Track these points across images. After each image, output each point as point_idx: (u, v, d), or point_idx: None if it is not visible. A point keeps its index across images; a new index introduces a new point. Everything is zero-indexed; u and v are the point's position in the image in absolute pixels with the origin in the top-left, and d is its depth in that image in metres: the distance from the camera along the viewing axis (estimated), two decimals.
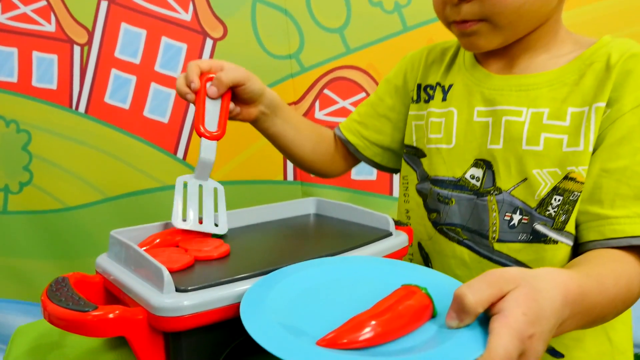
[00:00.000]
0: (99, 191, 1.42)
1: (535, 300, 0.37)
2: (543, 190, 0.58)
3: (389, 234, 0.61)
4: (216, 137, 0.62)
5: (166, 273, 0.43)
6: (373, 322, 0.37)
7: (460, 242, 0.65)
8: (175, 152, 1.37)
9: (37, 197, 1.41)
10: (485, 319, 0.38)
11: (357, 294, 0.44)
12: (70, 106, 1.35)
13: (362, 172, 1.40)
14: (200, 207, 0.60)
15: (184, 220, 0.57)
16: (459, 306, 0.37)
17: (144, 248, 0.53)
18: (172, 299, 0.42)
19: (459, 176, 0.65)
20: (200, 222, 0.58)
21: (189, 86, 0.62)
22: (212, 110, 0.62)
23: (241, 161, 1.39)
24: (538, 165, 0.58)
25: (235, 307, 0.44)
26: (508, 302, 0.36)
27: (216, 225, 0.60)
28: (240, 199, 1.35)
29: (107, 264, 0.51)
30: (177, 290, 0.43)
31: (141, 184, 1.39)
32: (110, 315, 0.41)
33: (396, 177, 1.41)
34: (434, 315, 0.40)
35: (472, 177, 0.64)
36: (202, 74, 0.63)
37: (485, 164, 0.63)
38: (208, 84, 0.62)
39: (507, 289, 0.37)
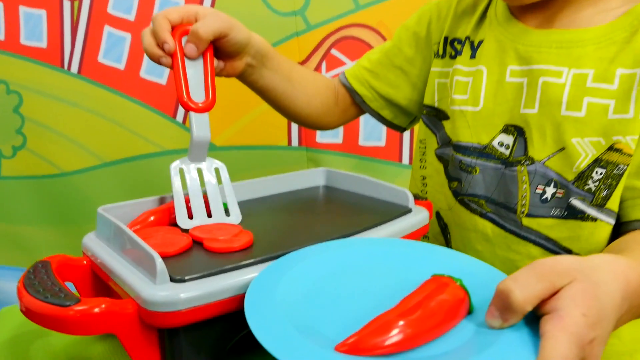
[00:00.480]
0: (95, 156, 1.38)
1: (595, 298, 0.31)
2: (583, 161, 0.52)
3: (408, 211, 0.55)
4: (207, 108, 0.52)
5: (159, 261, 0.37)
6: (401, 323, 0.32)
7: (483, 215, 0.60)
8: (175, 116, 1.30)
9: (32, 162, 1.37)
10: (532, 318, 0.32)
11: (379, 286, 0.39)
12: (62, 66, 1.28)
13: (371, 138, 1.33)
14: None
15: (191, 218, 0.50)
16: (503, 303, 0.32)
17: (136, 228, 0.47)
18: (167, 291, 0.36)
19: (485, 143, 0.59)
20: (209, 214, 0.51)
21: (161, 48, 0.51)
22: (195, 73, 0.52)
23: (242, 125, 1.32)
24: (578, 134, 0.51)
25: (240, 298, 0.38)
26: (564, 300, 0.31)
27: (227, 214, 0.52)
28: (241, 167, 1.29)
29: (95, 245, 0.46)
30: (173, 280, 0.37)
31: (139, 149, 1.33)
32: (96, 310, 0.36)
33: (406, 143, 1.34)
34: (470, 312, 0.35)
35: (501, 144, 0.57)
36: (173, 29, 0.52)
37: (517, 130, 0.56)
38: (183, 41, 0.51)
39: (560, 284, 0.32)
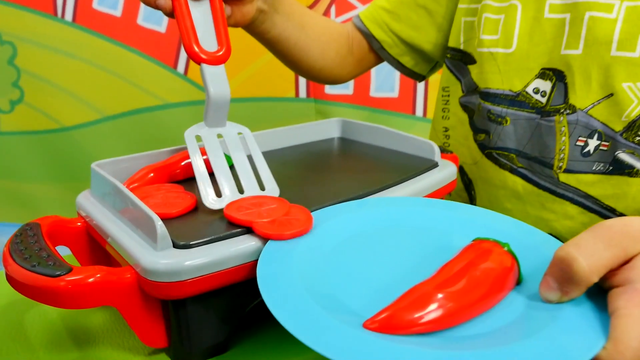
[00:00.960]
0: (96, 110, 1.33)
1: None
2: (635, 110, 0.46)
3: (434, 165, 0.49)
4: (222, 59, 0.43)
5: (159, 224, 0.32)
6: (440, 295, 0.27)
7: (513, 171, 0.54)
8: (175, 67, 1.24)
9: (30, 117, 1.33)
10: (595, 291, 0.28)
11: (410, 252, 0.34)
12: (55, 14, 1.22)
13: (383, 89, 1.27)
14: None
15: (220, 196, 0.40)
16: (563, 273, 0.27)
17: (133, 186, 0.42)
18: (169, 259, 0.32)
19: (518, 89, 0.53)
20: (240, 189, 0.41)
21: None
22: (203, 18, 0.43)
23: (247, 76, 1.26)
24: (630, 78, 0.46)
25: (252, 266, 0.34)
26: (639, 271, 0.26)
27: (262, 188, 0.42)
28: (246, 120, 1.23)
29: (90, 204, 0.41)
30: (176, 245, 0.33)
31: (141, 102, 1.28)
32: (90, 280, 0.31)
33: (420, 94, 1.27)
34: (518, 282, 0.30)
35: (536, 91, 0.52)
36: None
37: (556, 75, 0.50)
38: None
39: (634, 251, 0.27)
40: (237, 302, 0.35)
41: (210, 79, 0.42)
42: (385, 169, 0.49)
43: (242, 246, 0.33)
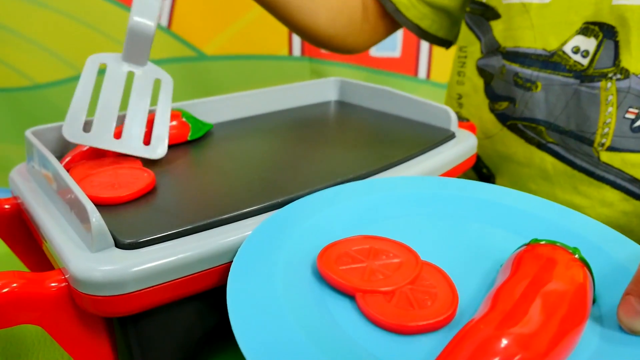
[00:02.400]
0: (70, 66, 1.24)
1: None
2: None
3: (451, 136, 0.41)
4: None
5: (95, 215, 0.24)
6: (508, 341, 0.19)
7: (541, 146, 0.46)
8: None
9: (1, 73, 1.23)
10: None
11: (434, 256, 0.26)
12: None
13: (383, 48, 1.17)
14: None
15: (87, 131, 0.33)
16: None
17: (67, 159, 0.34)
18: (109, 264, 0.23)
19: (553, 48, 0.44)
20: (118, 135, 0.34)
21: None
22: None
23: (236, 31, 1.16)
24: None
25: (225, 270, 0.26)
26: None
27: (146, 144, 0.35)
28: (234, 80, 1.15)
29: (24, 182, 0.33)
30: (120, 245, 0.25)
31: None
32: (5, 290, 0.23)
33: (424, 54, 1.18)
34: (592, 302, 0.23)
35: (576, 50, 0.43)
36: None
37: (604, 31, 0.41)
38: None
39: None
40: (204, 314, 0.28)
41: (138, 3, 0.35)
42: (392, 140, 0.41)
43: (211, 244, 0.25)
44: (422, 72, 1.18)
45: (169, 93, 0.37)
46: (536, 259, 0.22)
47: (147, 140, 0.35)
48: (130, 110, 0.35)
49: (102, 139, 0.33)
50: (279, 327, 0.20)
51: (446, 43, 0.60)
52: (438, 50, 1.16)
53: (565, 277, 0.21)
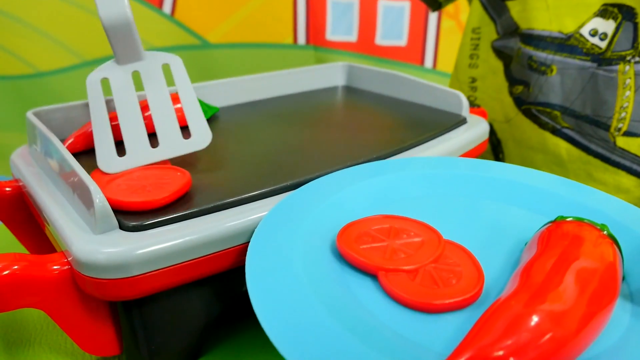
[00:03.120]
0: (74, 54, 1.22)
1: None
2: None
3: (462, 121, 0.40)
4: None
5: (99, 196, 0.23)
6: (539, 318, 0.18)
7: (556, 131, 0.45)
8: (161, 6, 1.12)
9: (3, 60, 1.21)
10: None
11: (456, 235, 0.25)
12: None
13: (390, 36, 1.15)
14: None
15: (122, 155, 0.30)
16: None
17: (70, 141, 0.33)
18: (113, 246, 0.23)
19: (569, 31, 0.43)
20: (154, 142, 0.31)
21: None
22: None
23: (241, 18, 1.14)
24: None
25: (234, 252, 0.25)
26: None
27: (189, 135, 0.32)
28: (238, 68, 1.13)
29: (25, 165, 0.32)
30: (124, 227, 0.24)
31: None
32: (5, 273, 0.22)
33: (430, 43, 1.16)
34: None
35: (594, 32, 0.41)
36: None
37: (623, 12, 0.40)
38: None
39: None
40: (211, 299, 0.27)
41: None
42: (402, 125, 0.40)
43: (218, 227, 0.24)
44: (428, 61, 1.16)
45: (183, 73, 0.33)
46: (564, 236, 0.21)
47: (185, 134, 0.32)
48: (154, 112, 0.32)
49: (141, 156, 0.30)
50: (302, 306, 0.19)
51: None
52: (445, 39, 1.14)
53: (595, 254, 0.20)
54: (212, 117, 0.40)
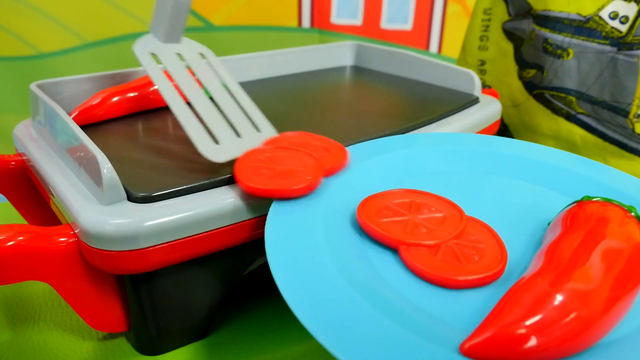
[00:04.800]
0: (76, 35, 1.21)
1: None
2: None
3: (475, 100, 0.39)
4: None
5: (106, 166, 0.22)
6: (564, 297, 0.17)
7: (570, 117, 0.44)
8: None
9: (5, 41, 1.20)
10: None
11: (477, 213, 0.24)
12: None
13: (395, 20, 1.14)
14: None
15: (217, 142, 0.28)
16: None
17: (75, 114, 0.32)
18: (121, 217, 0.22)
19: (588, 13, 0.42)
20: (237, 134, 0.29)
21: None
22: None
23: (245, 1, 1.13)
24: None
25: (244, 226, 0.24)
26: None
27: (257, 129, 0.31)
28: (243, 50, 1.12)
29: (29, 138, 0.31)
30: (132, 198, 0.23)
31: (127, 27, 1.15)
32: (9, 244, 0.22)
33: (436, 27, 1.15)
34: None
35: (614, 15, 0.40)
36: None
37: None
38: None
39: None
40: (221, 275, 0.26)
41: None
42: (413, 104, 0.39)
43: (229, 199, 0.24)
44: (433, 46, 1.15)
45: (223, 67, 0.32)
46: (590, 216, 0.21)
47: None
48: (218, 99, 0.30)
49: (234, 144, 0.28)
50: (324, 280, 0.19)
51: None
52: (450, 23, 1.13)
53: (621, 234, 0.20)
54: None
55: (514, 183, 0.27)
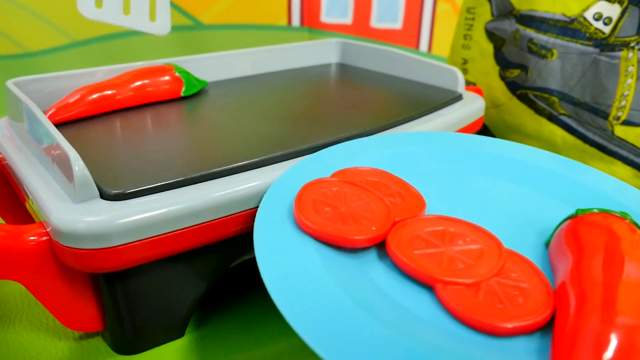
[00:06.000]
0: (64, 34, 1.19)
1: None
2: None
3: (458, 97, 0.39)
4: None
5: (78, 164, 0.22)
6: (618, 335, 0.16)
7: (552, 118, 0.44)
8: None
9: None
10: None
11: (479, 218, 0.24)
12: None
13: (385, 19, 1.14)
14: None
15: (98, 6, 0.33)
16: None
17: (70, 113, 0.32)
18: (93, 215, 0.22)
19: (573, 14, 0.42)
20: (126, 10, 0.34)
21: None
22: None
23: (234, 0, 1.12)
24: None
25: (225, 222, 0.24)
26: None
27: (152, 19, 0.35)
28: (232, 49, 1.12)
29: (5, 136, 0.31)
30: (105, 195, 0.23)
31: (115, 27, 1.14)
32: None
33: (426, 26, 1.15)
34: None
35: (598, 17, 0.40)
36: None
37: None
38: None
39: None
40: (199, 273, 0.26)
41: None
42: (397, 101, 0.39)
43: (203, 197, 0.23)
44: (423, 45, 1.15)
45: None
46: (597, 233, 0.20)
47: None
48: None
49: (114, 14, 0.33)
50: (319, 289, 0.18)
51: None
52: (440, 22, 1.13)
53: (633, 250, 0.19)
54: (201, 91, 0.39)
55: (505, 185, 0.27)
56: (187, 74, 0.37)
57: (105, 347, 0.26)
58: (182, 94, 0.37)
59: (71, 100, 0.32)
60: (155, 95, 0.35)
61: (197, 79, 0.38)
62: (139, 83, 0.34)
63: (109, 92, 0.33)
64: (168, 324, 0.26)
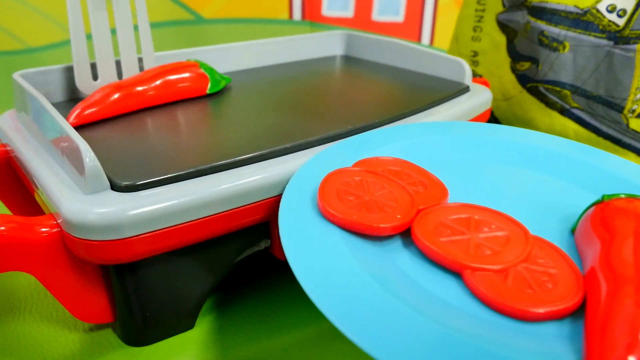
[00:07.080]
0: (65, 29, 1.20)
1: None
2: None
3: (465, 89, 0.39)
4: None
5: (89, 155, 0.22)
6: None
7: (564, 112, 0.44)
8: None
9: None
10: None
11: (501, 206, 0.24)
12: None
13: (386, 12, 1.13)
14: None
15: (95, 79, 0.34)
16: None
17: (91, 111, 0.31)
18: (104, 206, 0.22)
19: (586, 5, 0.41)
20: (119, 72, 0.36)
21: None
22: None
23: None
24: None
25: (236, 214, 0.24)
26: None
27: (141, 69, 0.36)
28: (234, 42, 1.12)
29: (13, 128, 0.31)
30: (116, 187, 0.23)
31: (114, 21, 1.13)
32: None
33: (427, 19, 1.14)
34: None
35: (612, 8, 0.40)
36: None
37: None
38: None
39: None
40: (209, 265, 0.26)
41: None
42: (403, 93, 0.38)
43: (214, 188, 0.23)
44: (425, 38, 1.15)
45: (143, 5, 0.35)
46: (625, 216, 0.20)
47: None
48: (120, 34, 0.34)
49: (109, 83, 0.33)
50: (354, 284, 0.18)
51: None
52: (442, 15, 1.13)
53: None
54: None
55: (525, 173, 0.27)
56: (211, 70, 0.37)
57: (115, 338, 0.26)
58: (207, 92, 0.36)
59: (94, 99, 0.31)
60: (181, 94, 0.35)
61: (222, 76, 0.38)
62: (167, 80, 0.34)
63: (139, 88, 0.32)
64: (178, 315, 0.26)
